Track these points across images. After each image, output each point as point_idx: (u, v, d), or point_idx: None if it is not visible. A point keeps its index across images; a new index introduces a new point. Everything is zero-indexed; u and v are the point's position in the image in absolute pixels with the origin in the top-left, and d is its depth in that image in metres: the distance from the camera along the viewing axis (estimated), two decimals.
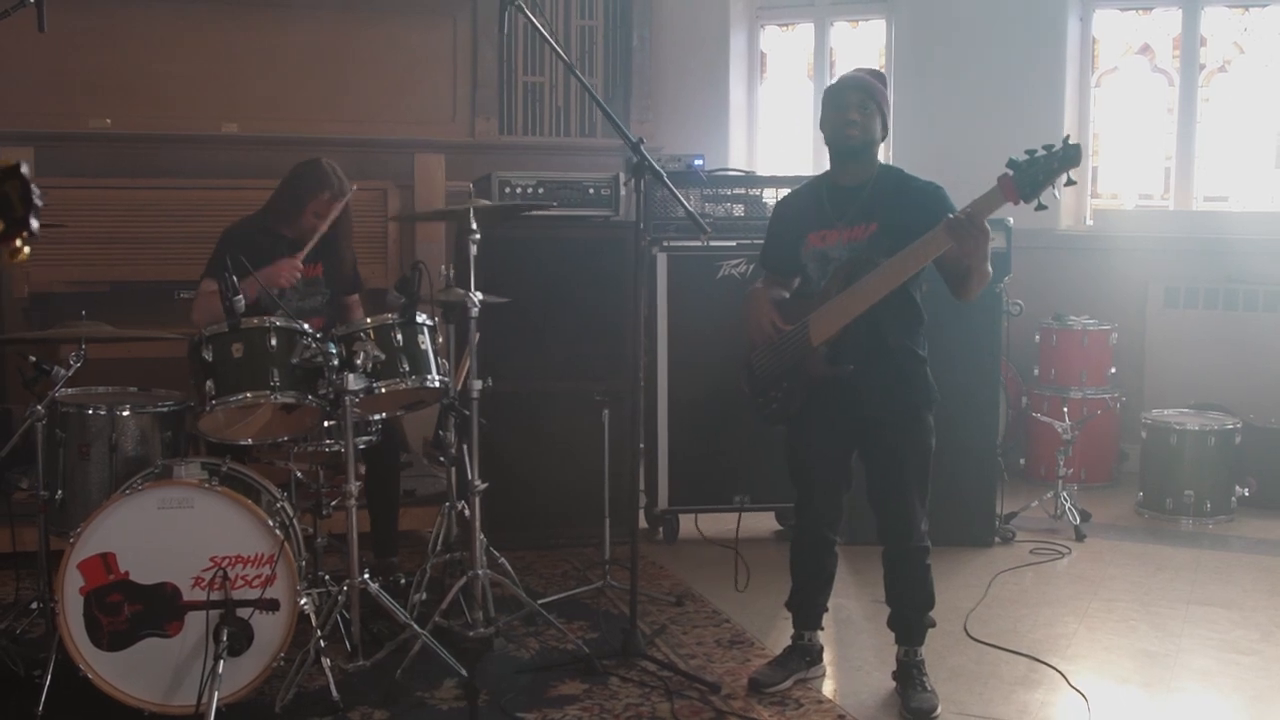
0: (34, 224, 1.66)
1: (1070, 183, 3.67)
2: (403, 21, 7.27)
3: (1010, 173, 3.65)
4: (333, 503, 4.38)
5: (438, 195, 6.89)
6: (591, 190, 5.87)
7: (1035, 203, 3.64)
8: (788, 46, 8.45)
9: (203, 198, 6.44)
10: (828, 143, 4.07)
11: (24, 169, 1.66)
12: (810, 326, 3.98)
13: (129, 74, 6.77)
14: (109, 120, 6.71)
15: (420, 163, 6.97)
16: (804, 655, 4.23)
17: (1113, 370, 7.03)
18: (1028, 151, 3.64)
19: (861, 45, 8.19)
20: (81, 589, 3.74)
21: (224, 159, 6.80)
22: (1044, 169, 3.61)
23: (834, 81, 4.12)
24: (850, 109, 3.97)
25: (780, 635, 4.55)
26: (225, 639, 3.71)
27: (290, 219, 4.97)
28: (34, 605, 4.36)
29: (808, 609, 4.27)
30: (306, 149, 5.99)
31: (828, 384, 4.00)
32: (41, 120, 6.58)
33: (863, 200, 3.99)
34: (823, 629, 4.30)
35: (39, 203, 1.66)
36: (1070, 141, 3.62)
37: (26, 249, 1.67)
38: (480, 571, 4.31)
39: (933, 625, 4.14)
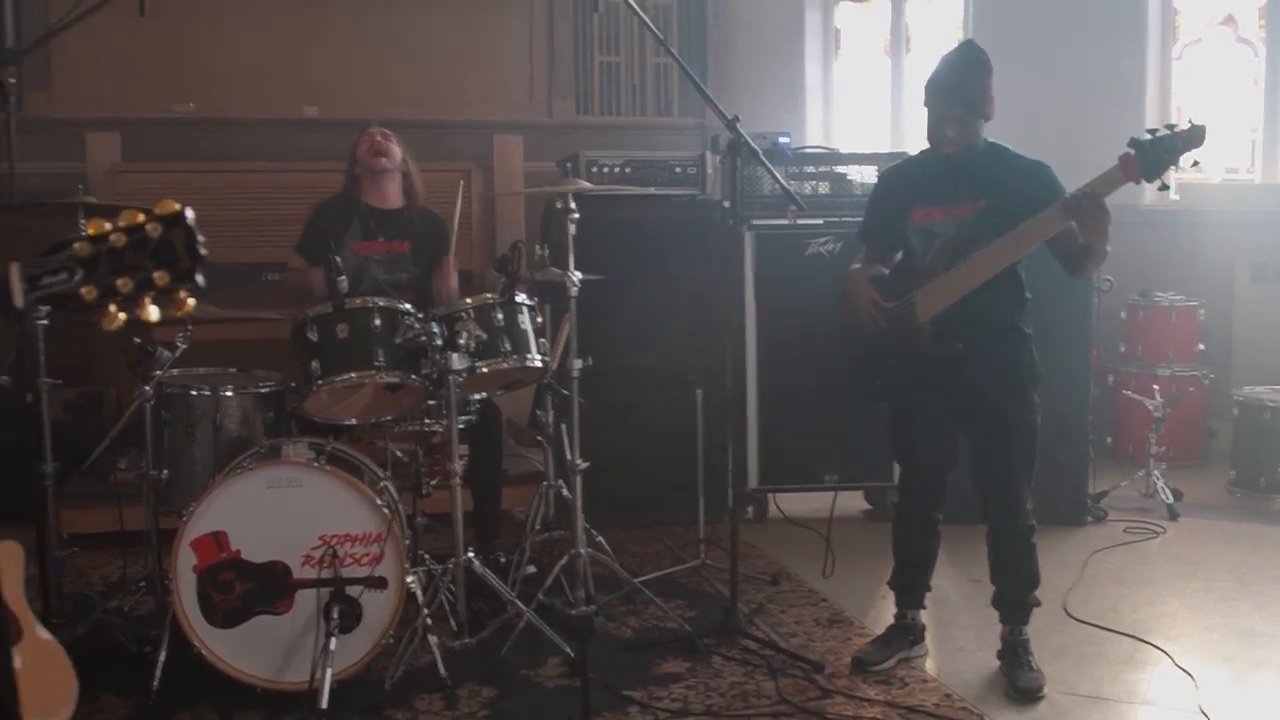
0: (199, 279, 1.64)
1: (1194, 164, 3.63)
2: (479, 3, 7.28)
3: (1132, 152, 3.61)
4: (432, 482, 4.41)
5: (516, 176, 6.91)
6: (678, 169, 5.86)
7: (1158, 183, 3.61)
8: (862, 22, 8.38)
9: (286, 180, 6.48)
10: (928, 139, 4.04)
11: (189, 217, 1.64)
12: (916, 303, 3.96)
13: (212, 59, 6.83)
14: (193, 105, 6.77)
15: (499, 144, 7.00)
16: (907, 634, 4.21)
17: (1200, 347, 6.95)
18: (1150, 130, 3.61)
19: (938, 20, 8.12)
20: (195, 567, 3.79)
21: (306, 142, 6.84)
22: (1168, 149, 3.57)
23: (933, 73, 4.01)
24: (946, 124, 3.93)
25: (878, 614, 4.54)
26: (336, 616, 3.74)
27: (355, 176, 5.05)
28: (141, 583, 4.43)
29: (911, 588, 4.25)
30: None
31: (933, 362, 3.97)
32: (128, 106, 6.65)
33: (970, 177, 3.96)
34: (925, 608, 4.28)
35: (204, 252, 1.64)
36: (1195, 122, 3.58)
37: (191, 301, 1.65)
38: (581, 551, 4.32)
39: (1037, 604, 4.11)
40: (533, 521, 4.66)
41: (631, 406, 5.65)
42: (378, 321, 4.10)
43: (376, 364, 4.06)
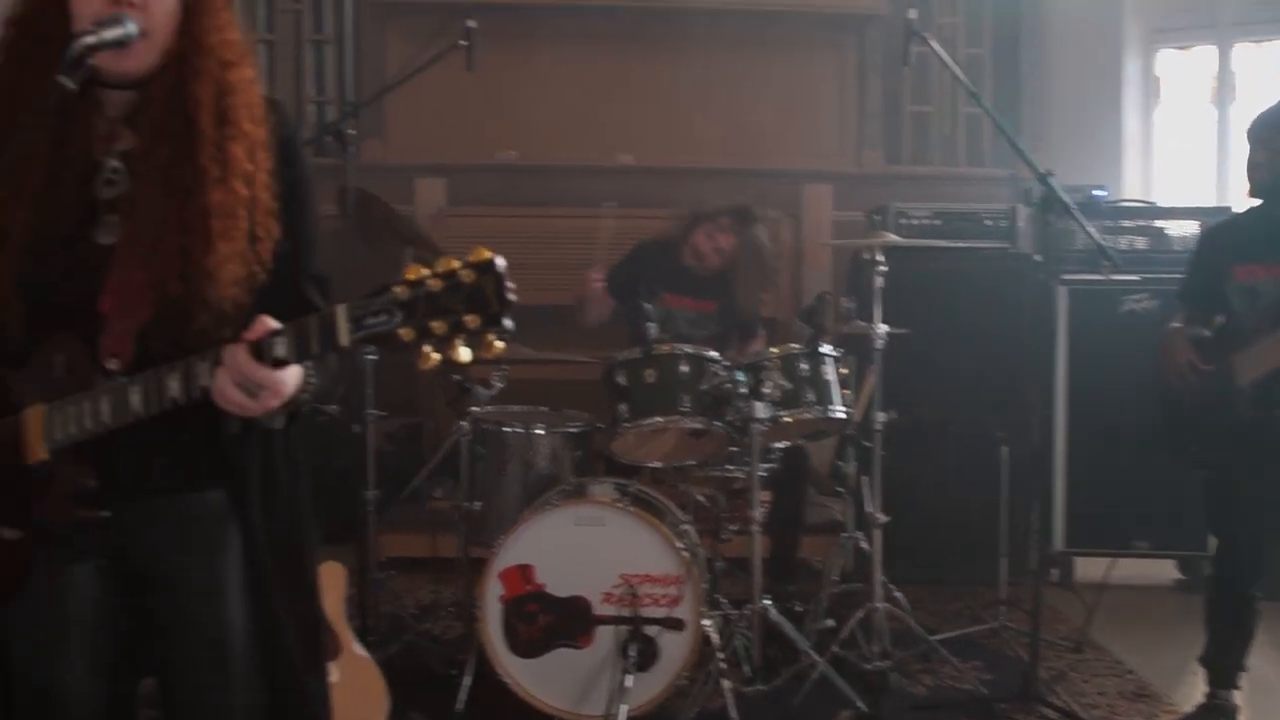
0: (508, 323, 1.72)
1: None
2: (790, 53, 7.33)
3: None
4: (732, 527, 4.46)
5: (825, 226, 6.93)
6: (988, 222, 5.79)
7: None
8: (1185, 69, 8.06)
9: (599, 226, 6.68)
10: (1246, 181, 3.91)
11: (499, 264, 1.73)
12: (1235, 365, 3.80)
13: (533, 107, 7.10)
14: (515, 152, 7.06)
15: (808, 193, 7.03)
16: (1218, 715, 4.01)
17: None
18: None
19: (1267, 66, 7.72)
20: (501, 597, 3.95)
21: (618, 189, 7.02)
22: None
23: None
24: (1256, 150, 3.80)
25: (1187, 691, 4.34)
26: (633, 654, 3.84)
27: (683, 238, 5.17)
28: (451, 608, 4.65)
29: (1224, 666, 4.04)
30: (696, 179, 6.14)
31: (1254, 429, 3.79)
32: (454, 153, 6.98)
33: None
34: (1239, 689, 4.07)
35: (513, 298, 1.72)
36: None
37: (500, 344, 1.73)
38: (878, 605, 4.29)
39: None
40: (830, 572, 4.66)
41: (934, 461, 5.57)
42: (685, 368, 4.20)
43: (682, 409, 4.16)
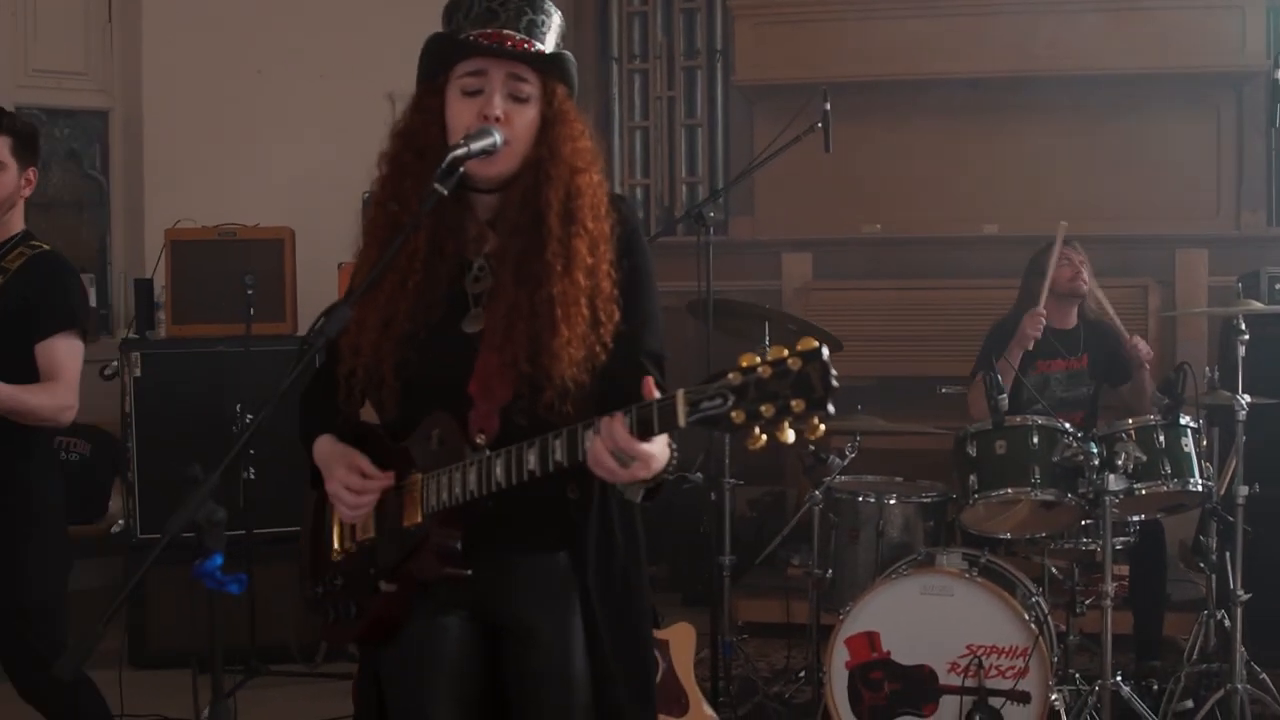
0: (830, 407, 1.83)
1: None
2: (1161, 115, 7.10)
3: None
4: (1086, 601, 4.40)
5: (1199, 292, 6.68)
6: None
7: None
8: None
9: (964, 298, 6.68)
10: None
11: (825, 354, 1.84)
12: None
13: (896, 181, 7.16)
14: (879, 225, 7.15)
15: (1181, 258, 6.81)
16: None
17: None
18: None
19: None
20: (847, 663, 4.05)
21: (984, 259, 6.98)
22: None
23: None
24: None
25: None
26: None
27: (1032, 290, 5.12)
28: (801, 674, 4.78)
29: None
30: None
31: None
32: (819, 227, 7.14)
33: None
34: None
35: (836, 385, 1.83)
36: None
37: (822, 427, 1.85)
38: (1240, 686, 4.13)
39: None
40: (1190, 650, 4.51)
41: None
42: (1036, 439, 4.20)
43: (1033, 481, 4.16)
